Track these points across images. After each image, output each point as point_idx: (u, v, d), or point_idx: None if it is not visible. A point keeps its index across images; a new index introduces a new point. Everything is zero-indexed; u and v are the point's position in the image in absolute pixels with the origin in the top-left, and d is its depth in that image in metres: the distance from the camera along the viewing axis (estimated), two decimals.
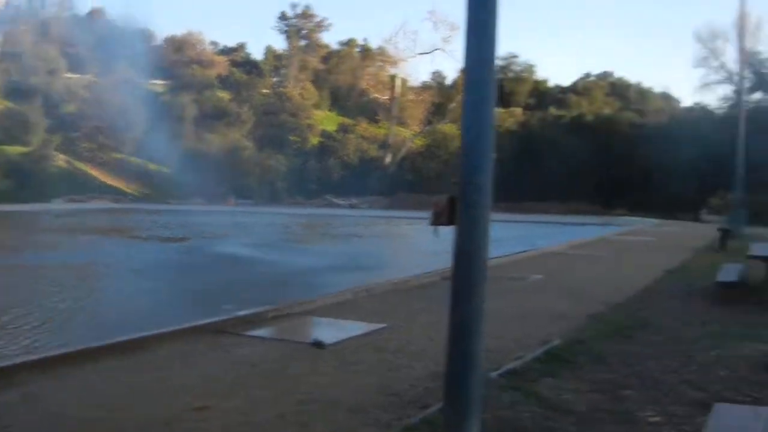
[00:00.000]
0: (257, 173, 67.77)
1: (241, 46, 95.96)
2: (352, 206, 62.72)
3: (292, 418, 5.70)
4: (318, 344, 8.09)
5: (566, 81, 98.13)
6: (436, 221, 4.56)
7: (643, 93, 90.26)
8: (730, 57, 57.43)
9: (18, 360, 7.46)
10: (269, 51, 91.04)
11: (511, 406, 5.96)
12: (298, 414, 5.78)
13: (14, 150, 60.22)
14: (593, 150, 61.57)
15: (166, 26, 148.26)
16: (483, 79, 4.42)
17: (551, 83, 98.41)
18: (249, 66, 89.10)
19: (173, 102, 67.24)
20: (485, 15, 4.42)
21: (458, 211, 4.36)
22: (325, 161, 73.14)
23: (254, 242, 27.80)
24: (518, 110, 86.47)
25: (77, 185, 60.94)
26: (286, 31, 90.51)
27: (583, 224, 40.03)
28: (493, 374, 6.84)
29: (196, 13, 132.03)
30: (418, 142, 78.42)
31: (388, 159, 76.45)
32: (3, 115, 63.66)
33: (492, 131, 4.44)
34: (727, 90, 58.96)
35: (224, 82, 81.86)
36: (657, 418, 5.83)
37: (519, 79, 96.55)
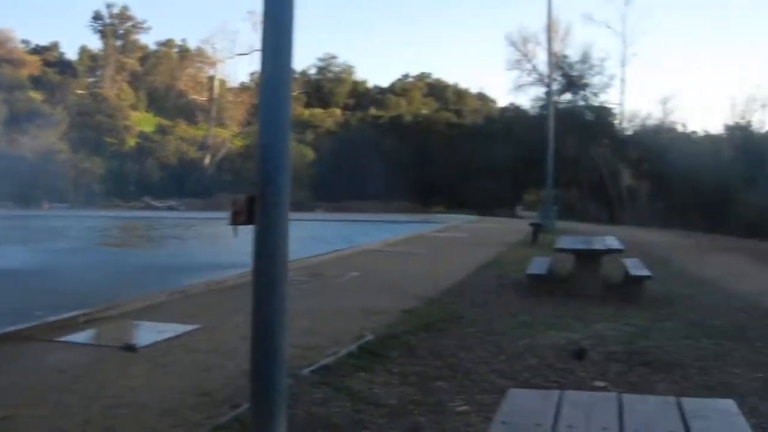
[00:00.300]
0: (73, 176, 65.93)
1: (54, 45, 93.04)
2: (170, 208, 61.86)
3: (99, 423, 5.58)
4: (129, 347, 7.94)
5: (385, 82, 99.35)
6: (235, 221, 4.57)
7: (460, 94, 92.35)
8: (541, 60, 59.34)
9: None
10: (84, 51, 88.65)
11: (323, 402, 6.02)
12: (106, 419, 5.66)
13: None
14: (412, 149, 62.72)
15: None
16: (279, 79, 4.46)
17: (370, 84, 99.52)
18: (63, 66, 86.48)
19: None
20: (281, 14, 4.46)
21: (257, 211, 4.38)
22: (143, 163, 71.82)
23: (66, 247, 27.08)
24: (338, 111, 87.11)
25: None
26: (101, 31, 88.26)
27: (401, 222, 40.55)
28: (306, 371, 6.89)
29: (5, 10, 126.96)
30: (238, 143, 78.08)
31: (207, 160, 75.74)
32: None
33: (289, 131, 4.49)
34: (539, 91, 60.91)
35: (37, 82, 79.15)
36: (465, 407, 5.99)
37: (338, 79, 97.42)
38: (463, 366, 7.34)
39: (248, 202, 4.50)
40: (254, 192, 4.44)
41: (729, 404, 3.52)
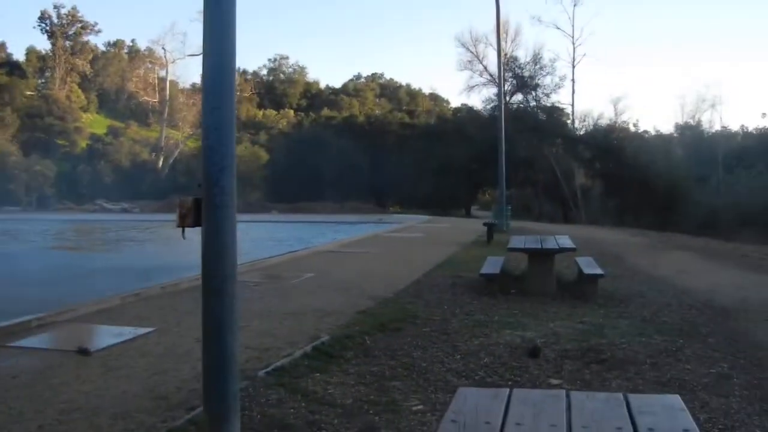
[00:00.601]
0: (23, 179, 65.15)
1: (0, 46, 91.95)
2: (124, 210, 61.34)
3: (52, 428, 5.54)
4: (83, 351, 7.88)
5: (337, 82, 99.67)
6: (182, 223, 4.57)
7: (412, 94, 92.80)
8: (492, 61, 59.74)
9: None
10: (32, 52, 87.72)
11: (278, 404, 6.02)
12: (59, 424, 5.62)
13: None
14: (366, 150, 62.81)
15: None
16: (222, 82, 4.49)
17: (323, 84, 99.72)
18: (10, 67, 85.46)
19: None
20: (222, 16, 4.48)
21: (204, 213, 4.39)
22: (96, 165, 71.18)
23: (18, 250, 26.84)
24: (290, 112, 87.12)
25: None
26: (48, 32, 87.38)
27: (355, 223, 40.58)
28: (261, 372, 6.89)
29: None
30: (191, 145, 77.60)
31: (160, 162, 75.26)
32: None
33: (233, 133, 4.51)
34: (490, 92, 61.31)
35: None
36: (420, 407, 6.03)
37: (290, 80, 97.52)
38: (419, 365, 7.38)
39: (195, 204, 4.50)
40: (200, 194, 4.45)
41: (675, 399, 3.58)
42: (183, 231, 4.63)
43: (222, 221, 4.42)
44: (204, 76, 4.55)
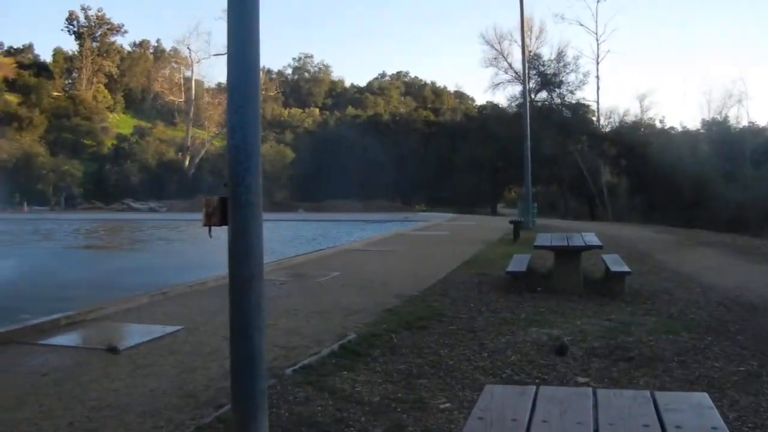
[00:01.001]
0: (52, 179, 65.59)
1: (28, 47, 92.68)
2: (152, 210, 61.63)
3: (82, 425, 5.59)
4: (112, 349, 7.95)
5: (362, 81, 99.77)
6: (209, 222, 4.59)
7: (437, 92, 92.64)
8: (517, 58, 59.64)
9: None
10: (58, 53, 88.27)
11: (306, 401, 6.04)
12: (88, 421, 5.67)
13: None
14: (391, 148, 62.73)
15: None
16: (246, 80, 4.49)
17: (348, 83, 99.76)
18: (38, 68, 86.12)
19: None
20: (245, 15, 4.49)
21: (230, 212, 4.41)
22: (122, 165, 71.55)
23: (49, 250, 27.00)
24: (316, 110, 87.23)
25: None
26: (76, 33, 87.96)
27: (381, 221, 40.58)
28: (288, 370, 6.92)
29: None
30: (217, 144, 77.82)
31: (187, 161, 75.52)
32: None
33: (258, 133, 4.52)
34: (515, 90, 61.18)
35: (11, 84, 78.78)
36: (448, 404, 6.01)
37: (315, 79, 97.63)
38: (445, 363, 7.37)
39: (221, 203, 4.53)
40: (226, 193, 4.47)
41: (703, 397, 3.55)
42: (210, 230, 4.65)
43: (248, 220, 4.44)
44: (229, 75, 4.56)
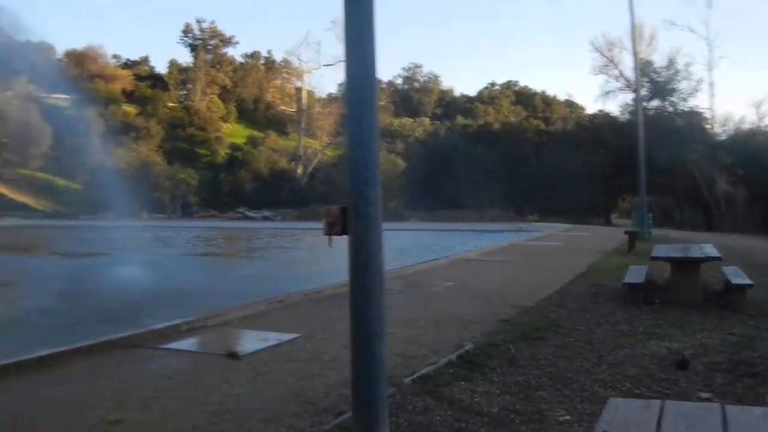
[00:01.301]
0: (169, 187, 67.07)
1: (144, 60, 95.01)
2: (266, 218, 62.47)
3: (205, 429, 5.72)
4: (232, 355, 8.09)
5: (472, 90, 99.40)
6: (330, 231, 4.64)
7: (548, 101, 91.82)
8: (627, 65, 58.82)
9: None
10: (173, 64, 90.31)
11: (425, 411, 6.04)
12: (211, 425, 5.79)
13: None
14: (502, 158, 62.42)
15: (65, 39, 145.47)
16: (364, 93, 4.53)
17: (457, 92, 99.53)
18: (153, 80, 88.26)
19: (79, 116, 66.03)
20: (362, 29, 4.53)
21: (351, 221, 4.45)
22: (236, 174, 72.74)
23: (171, 256, 27.65)
24: (426, 120, 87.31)
25: None
26: (191, 45, 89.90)
27: (494, 231, 40.40)
28: (407, 380, 6.94)
29: (94, 27, 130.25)
30: (329, 153, 78.54)
31: (299, 171, 76.39)
32: None
33: (376, 143, 4.55)
34: (626, 98, 60.34)
35: (129, 96, 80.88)
36: (567, 417, 5.95)
37: (425, 89, 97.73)
38: (564, 375, 7.29)
39: (341, 213, 4.57)
40: (347, 203, 4.52)
41: None
42: (330, 239, 4.71)
43: (368, 230, 4.48)
44: (346, 87, 4.61)
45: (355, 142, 4.52)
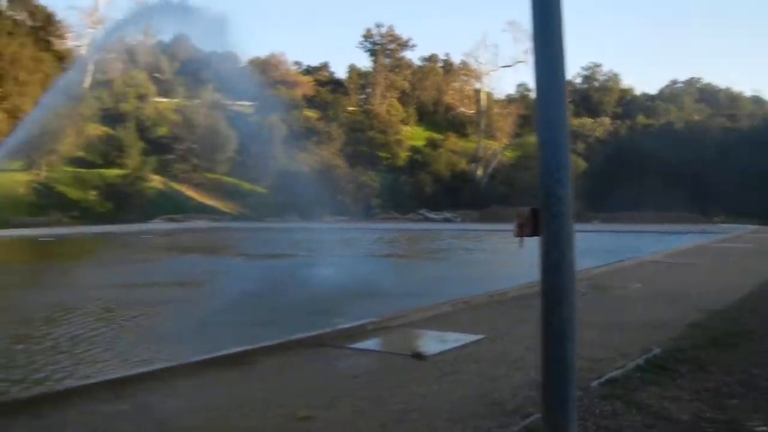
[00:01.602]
0: (350, 190, 68.10)
1: (324, 66, 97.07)
2: (446, 220, 62.65)
3: (393, 428, 5.78)
4: (418, 356, 8.16)
5: (652, 89, 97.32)
6: (520, 232, 4.61)
7: (733, 97, 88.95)
8: None
9: (129, 372, 7.74)
10: (353, 69, 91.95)
11: (613, 415, 5.94)
12: (399, 424, 5.86)
13: (112, 173, 61.76)
14: (685, 157, 60.55)
15: (248, 48, 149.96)
16: (554, 92, 4.47)
17: (638, 91, 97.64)
18: (333, 85, 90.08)
19: (262, 122, 67.92)
20: (551, 27, 4.48)
21: (542, 222, 4.41)
22: (416, 176, 73.29)
23: (356, 257, 28.18)
24: (607, 120, 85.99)
25: (174, 205, 62.34)
26: (370, 50, 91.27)
27: (678, 233, 39.35)
28: (594, 383, 6.84)
29: (276, 35, 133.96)
30: (509, 155, 78.24)
31: (479, 172, 76.36)
32: (100, 140, 65.29)
33: (567, 143, 4.49)
34: None
35: (310, 101, 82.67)
36: (763, 428, 5.72)
37: (604, 88, 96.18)
38: (758, 384, 6.99)
39: (532, 214, 4.54)
40: (537, 204, 4.48)
41: None
42: (521, 241, 4.68)
43: (559, 231, 4.42)
44: (537, 89, 4.57)
45: (547, 143, 4.48)
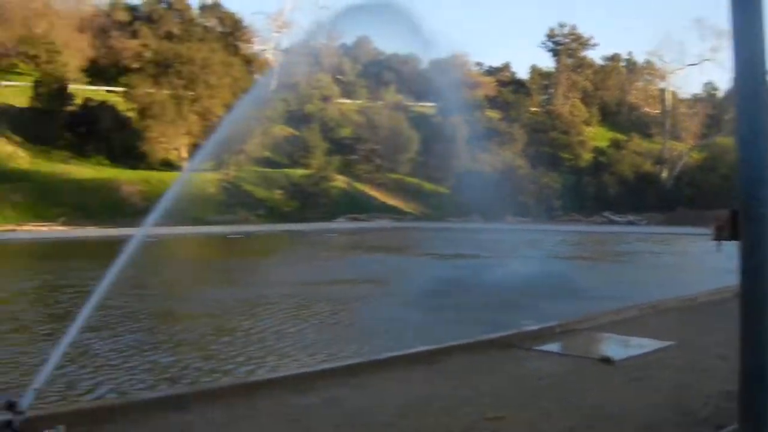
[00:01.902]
0: (532, 191, 67.47)
1: (505, 66, 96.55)
2: (630, 223, 61.31)
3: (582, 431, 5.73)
4: (606, 360, 8.06)
5: None
6: (719, 236, 4.48)
7: None
8: None
9: (319, 367, 7.97)
10: (534, 70, 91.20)
11: None
12: (587, 428, 5.81)
13: (297, 172, 63.15)
14: None
15: (432, 50, 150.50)
16: (755, 87, 4.33)
17: None
18: (515, 85, 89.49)
19: (444, 123, 68.12)
20: (750, 19, 4.33)
21: (741, 226, 4.27)
22: (600, 178, 72.02)
23: (543, 258, 28.10)
24: None
25: (358, 205, 63.34)
26: (553, 50, 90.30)
27: None
28: None
29: (461, 36, 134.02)
30: (695, 156, 75.80)
31: (664, 174, 74.39)
32: (285, 141, 66.93)
33: None
34: None
35: (491, 101, 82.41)
36: None
37: None
38: None
39: (731, 217, 4.40)
40: (736, 206, 4.35)
41: None
42: (719, 245, 4.56)
43: (761, 234, 4.28)
44: (735, 87, 4.44)
45: (747, 144, 4.34)
